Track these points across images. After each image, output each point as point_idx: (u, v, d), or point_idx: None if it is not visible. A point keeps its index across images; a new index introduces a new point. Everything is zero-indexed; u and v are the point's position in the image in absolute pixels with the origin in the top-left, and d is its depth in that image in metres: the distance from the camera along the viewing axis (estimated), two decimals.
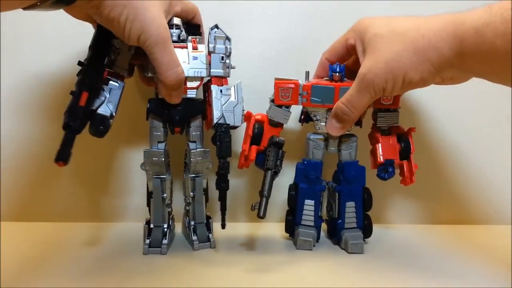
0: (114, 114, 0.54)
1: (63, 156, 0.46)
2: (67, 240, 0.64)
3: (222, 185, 0.57)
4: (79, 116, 0.48)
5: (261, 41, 0.70)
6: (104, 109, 0.53)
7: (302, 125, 0.64)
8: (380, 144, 0.61)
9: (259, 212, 0.55)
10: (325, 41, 0.64)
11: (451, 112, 0.73)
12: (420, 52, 0.49)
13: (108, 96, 0.54)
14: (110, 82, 0.55)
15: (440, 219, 0.75)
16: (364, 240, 0.63)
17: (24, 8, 0.43)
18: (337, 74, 0.58)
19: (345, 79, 0.59)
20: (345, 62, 0.61)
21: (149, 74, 0.56)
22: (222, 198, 0.57)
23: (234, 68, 0.61)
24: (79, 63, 0.52)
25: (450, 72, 0.51)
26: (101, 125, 0.52)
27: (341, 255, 0.61)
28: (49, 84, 0.69)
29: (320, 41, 0.69)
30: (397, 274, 0.54)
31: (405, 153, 0.61)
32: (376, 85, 0.52)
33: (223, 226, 0.58)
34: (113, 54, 0.55)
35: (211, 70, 0.59)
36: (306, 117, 0.62)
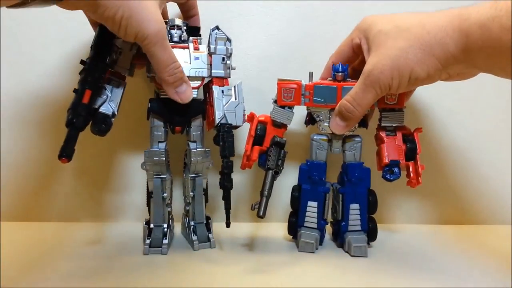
0: (116, 112, 0.55)
1: (66, 152, 0.47)
2: (67, 240, 0.64)
3: (226, 184, 0.57)
4: (82, 113, 0.49)
5: (261, 41, 0.70)
6: (106, 108, 0.54)
7: (306, 126, 0.64)
8: (385, 145, 0.60)
9: (259, 212, 0.55)
10: (325, 41, 0.65)
11: (452, 112, 0.73)
12: (426, 48, 0.49)
13: (110, 95, 0.55)
14: (112, 81, 0.56)
15: (441, 219, 0.75)
16: (368, 244, 0.62)
17: (14, 6, 0.42)
18: (340, 73, 0.58)
19: (348, 79, 0.59)
20: (352, 64, 0.61)
21: (151, 74, 0.56)
22: (226, 197, 0.57)
23: (234, 69, 0.61)
24: (82, 62, 0.53)
25: (456, 67, 0.50)
26: (103, 124, 0.53)
27: (344, 258, 0.60)
28: (50, 85, 0.69)
29: (320, 41, 0.70)
30: (398, 277, 0.54)
31: (411, 154, 0.60)
32: (382, 82, 0.51)
33: (228, 225, 0.58)
34: (115, 54, 0.56)
35: (212, 71, 0.60)
36: (310, 119, 0.62)
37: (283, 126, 0.61)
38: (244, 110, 0.60)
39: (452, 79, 0.54)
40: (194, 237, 0.62)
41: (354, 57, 0.60)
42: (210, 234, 0.63)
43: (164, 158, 0.59)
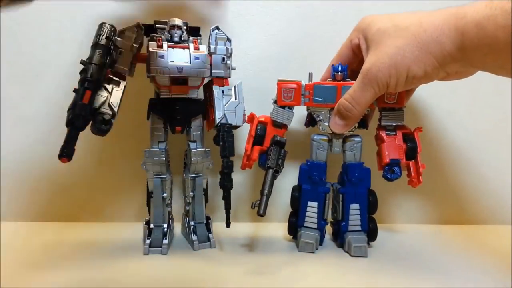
0: (116, 113, 0.55)
1: (66, 152, 0.47)
2: (67, 240, 0.64)
3: (226, 184, 0.57)
4: (82, 113, 0.49)
5: (261, 41, 0.70)
6: (106, 108, 0.54)
7: (307, 128, 0.64)
8: (385, 144, 0.60)
9: (259, 210, 0.55)
10: (325, 41, 0.65)
11: (452, 112, 0.73)
12: (423, 46, 0.49)
13: (110, 95, 0.55)
14: (112, 81, 0.56)
15: (441, 219, 0.75)
16: (368, 244, 0.62)
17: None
18: (339, 73, 0.58)
19: (347, 79, 0.59)
20: (352, 66, 0.61)
21: (151, 74, 0.57)
22: (226, 197, 0.57)
23: (234, 69, 0.61)
24: (82, 62, 0.53)
25: (453, 66, 0.50)
26: (103, 124, 0.53)
27: (344, 258, 0.60)
28: (50, 85, 0.69)
29: (320, 41, 0.70)
30: (398, 277, 0.54)
31: (411, 153, 0.60)
32: (380, 80, 0.52)
33: (228, 225, 0.58)
34: (115, 54, 0.56)
35: (213, 71, 0.60)
36: (310, 120, 0.62)
37: (283, 126, 0.61)
38: (244, 110, 0.61)
39: (450, 78, 0.54)
40: (194, 237, 0.62)
41: (354, 58, 0.60)
42: (210, 234, 0.63)
43: (164, 158, 0.59)
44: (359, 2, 0.70)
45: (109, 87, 0.55)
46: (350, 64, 0.61)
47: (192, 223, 0.63)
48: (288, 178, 0.68)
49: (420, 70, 0.50)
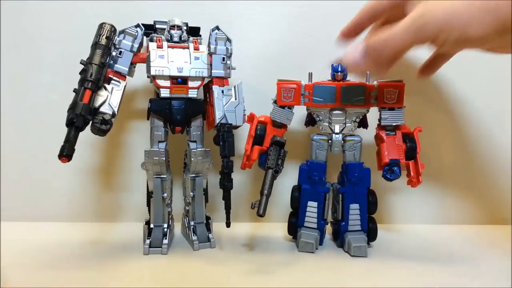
0: (116, 113, 0.55)
1: (66, 152, 0.47)
2: (67, 240, 0.64)
3: (226, 184, 0.57)
4: (82, 113, 0.49)
5: (261, 41, 0.70)
6: (106, 108, 0.54)
7: (306, 127, 0.64)
8: (385, 144, 0.60)
9: (259, 210, 0.55)
10: (325, 41, 0.64)
11: (452, 111, 0.73)
12: (481, 9, 0.45)
13: (110, 95, 0.55)
14: (112, 81, 0.56)
15: (440, 219, 0.75)
16: (368, 244, 0.62)
17: None
18: (339, 73, 0.58)
19: (347, 79, 0.59)
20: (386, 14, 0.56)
21: (151, 74, 0.57)
22: (226, 197, 0.57)
23: (234, 69, 0.61)
24: (82, 62, 0.53)
25: (506, 37, 0.46)
26: (103, 124, 0.53)
27: (343, 258, 0.60)
28: (49, 85, 0.69)
29: (320, 41, 0.70)
30: (398, 277, 0.54)
31: (411, 153, 0.60)
32: (429, 31, 0.46)
33: (228, 225, 0.58)
34: (115, 54, 0.56)
35: (212, 71, 0.60)
36: (310, 120, 0.62)
37: (283, 126, 0.61)
38: (244, 110, 0.61)
39: (496, 51, 0.50)
40: (194, 237, 0.62)
41: (393, 9, 0.55)
42: (210, 234, 0.63)
43: (164, 158, 0.59)
44: (359, 2, 0.70)
45: (109, 87, 0.55)
46: (380, 17, 0.57)
47: (192, 223, 0.63)
48: (288, 178, 0.68)
49: (476, 34, 0.46)
